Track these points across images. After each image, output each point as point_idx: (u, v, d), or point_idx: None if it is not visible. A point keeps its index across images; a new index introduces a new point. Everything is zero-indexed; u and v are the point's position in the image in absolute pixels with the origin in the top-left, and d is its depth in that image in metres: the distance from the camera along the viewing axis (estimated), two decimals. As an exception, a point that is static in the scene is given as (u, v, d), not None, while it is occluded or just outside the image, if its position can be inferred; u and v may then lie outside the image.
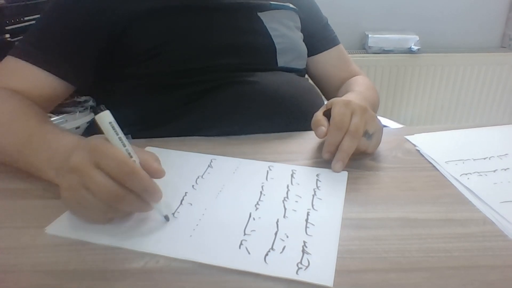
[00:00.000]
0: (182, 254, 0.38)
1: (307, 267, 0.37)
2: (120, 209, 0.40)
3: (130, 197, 0.39)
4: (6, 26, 0.96)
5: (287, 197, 0.48)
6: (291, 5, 0.81)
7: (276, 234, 0.41)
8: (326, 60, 0.88)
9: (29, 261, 0.38)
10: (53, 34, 0.64)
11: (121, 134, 0.40)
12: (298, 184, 0.51)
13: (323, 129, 0.56)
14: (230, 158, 0.57)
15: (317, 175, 0.53)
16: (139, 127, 0.68)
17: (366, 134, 0.55)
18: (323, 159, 0.56)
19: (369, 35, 1.72)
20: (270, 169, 0.54)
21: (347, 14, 1.74)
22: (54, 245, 0.40)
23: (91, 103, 1.00)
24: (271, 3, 0.77)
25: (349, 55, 0.92)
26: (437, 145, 0.61)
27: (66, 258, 0.38)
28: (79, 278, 0.36)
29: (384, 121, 1.00)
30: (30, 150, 0.50)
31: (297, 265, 0.37)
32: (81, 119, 0.95)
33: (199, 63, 0.68)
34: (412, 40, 1.71)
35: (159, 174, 0.41)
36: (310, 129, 0.58)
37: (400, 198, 0.48)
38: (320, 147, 0.60)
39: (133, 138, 0.67)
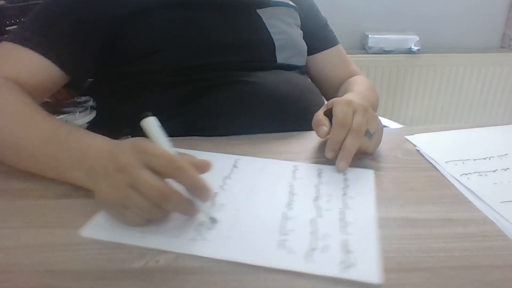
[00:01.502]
0: (222, 255, 0.38)
1: (351, 265, 0.37)
2: (166, 208, 0.40)
3: (177, 196, 0.39)
4: (6, 26, 0.96)
5: (318, 196, 0.48)
6: (291, 3, 0.81)
7: (314, 233, 0.41)
8: (325, 60, 0.88)
9: (29, 261, 0.38)
10: (51, 22, 0.64)
11: (167, 137, 0.42)
12: (326, 183, 0.51)
13: (325, 128, 0.56)
14: (255, 158, 0.57)
15: (344, 174, 0.53)
16: (137, 125, 0.68)
17: (367, 134, 0.55)
18: (324, 159, 0.56)
19: (369, 36, 1.72)
20: (296, 169, 0.54)
21: (347, 14, 1.74)
22: (54, 245, 0.40)
23: (91, 103, 1.00)
24: (270, 0, 0.77)
25: (349, 55, 0.92)
26: (437, 145, 0.61)
27: (66, 258, 0.38)
28: (79, 278, 0.36)
29: (384, 121, 1.00)
30: (58, 146, 0.48)
31: (341, 263, 0.37)
32: (81, 119, 0.95)
33: (198, 61, 0.68)
34: (412, 41, 1.71)
35: (207, 166, 0.42)
36: (311, 129, 0.59)
37: (400, 198, 0.48)
38: (320, 147, 0.60)
39: (132, 137, 0.67)
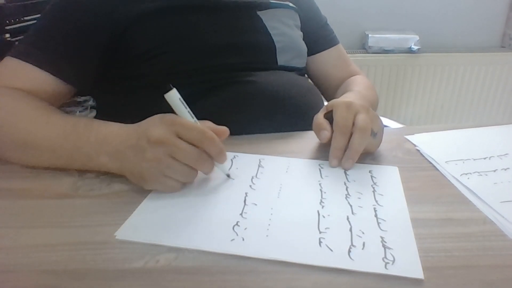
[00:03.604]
0: (265, 254, 0.38)
1: (393, 261, 0.37)
2: (201, 169, 0.47)
3: (208, 158, 0.46)
4: (6, 25, 0.96)
5: (348, 194, 0.48)
6: (290, 4, 0.81)
7: (351, 230, 0.41)
8: (325, 60, 0.88)
9: (29, 261, 0.38)
10: (54, 35, 0.64)
11: (188, 108, 0.47)
12: (354, 181, 0.51)
13: (326, 133, 0.55)
14: (279, 157, 0.57)
15: (370, 171, 0.54)
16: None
17: (372, 133, 0.55)
18: (323, 159, 0.56)
19: (369, 35, 1.72)
20: (322, 167, 0.55)
21: (347, 14, 1.74)
22: (54, 245, 0.40)
23: (91, 103, 1.00)
24: (271, 2, 0.77)
25: (349, 55, 0.92)
26: (437, 145, 0.61)
27: (66, 258, 0.38)
28: (79, 278, 0.36)
29: (384, 120, 1.00)
30: (77, 138, 0.51)
31: (383, 259, 0.37)
32: (81, 119, 0.95)
33: (199, 63, 0.68)
34: (412, 40, 1.71)
35: (226, 133, 0.49)
36: (310, 129, 0.58)
37: (400, 198, 0.48)
38: (319, 146, 0.60)
39: None
